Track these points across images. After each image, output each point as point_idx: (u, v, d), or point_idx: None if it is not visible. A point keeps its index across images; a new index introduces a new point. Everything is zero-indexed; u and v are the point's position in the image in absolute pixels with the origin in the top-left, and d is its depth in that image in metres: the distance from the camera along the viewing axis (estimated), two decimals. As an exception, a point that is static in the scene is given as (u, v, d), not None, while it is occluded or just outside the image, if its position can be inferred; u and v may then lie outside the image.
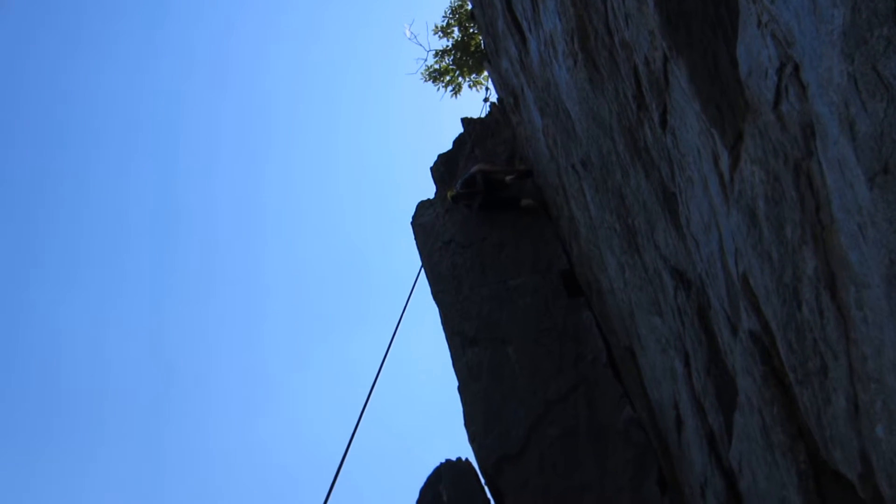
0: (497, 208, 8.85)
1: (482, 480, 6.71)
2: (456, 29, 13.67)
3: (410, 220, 9.96)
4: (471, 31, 13.47)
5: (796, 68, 1.95)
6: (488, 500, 6.55)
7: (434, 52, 13.71)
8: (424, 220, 9.70)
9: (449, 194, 9.09)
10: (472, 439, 6.91)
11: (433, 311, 8.49)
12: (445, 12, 13.79)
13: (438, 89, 13.74)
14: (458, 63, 13.43)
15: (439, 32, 13.81)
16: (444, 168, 10.52)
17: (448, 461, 6.97)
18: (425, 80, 13.74)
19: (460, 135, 11.11)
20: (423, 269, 9.06)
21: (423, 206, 10.04)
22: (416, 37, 16.44)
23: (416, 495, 6.85)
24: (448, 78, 13.61)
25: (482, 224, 8.97)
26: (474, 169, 9.11)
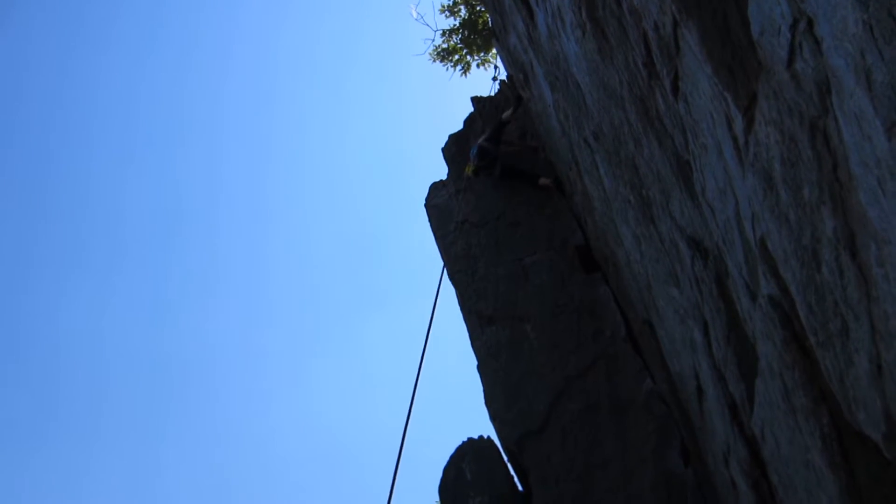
0: (516, 177, 8.92)
1: (505, 457, 6.74)
2: (462, 7, 13.55)
3: (424, 201, 9.94)
4: (478, 9, 13.34)
5: (810, 23, 1.91)
6: (511, 477, 6.58)
7: (441, 31, 13.62)
8: (438, 202, 9.68)
9: (468, 170, 9.16)
10: (494, 417, 6.94)
11: (450, 290, 8.50)
12: (452, -9, 13.67)
13: (447, 69, 13.66)
14: (465, 42, 13.31)
15: (446, 12, 13.69)
16: (455, 148, 10.47)
17: (470, 439, 7.00)
18: (433, 61, 13.64)
19: (471, 114, 11.04)
20: (441, 258, 9.06)
21: (435, 188, 10.01)
22: (422, 17, 16.31)
23: (439, 474, 6.90)
24: (456, 57, 13.51)
25: (496, 203, 8.94)
26: (480, 141, 9.26)
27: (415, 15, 13.90)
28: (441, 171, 10.48)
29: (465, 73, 13.78)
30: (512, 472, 6.60)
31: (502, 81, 11.45)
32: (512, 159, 9.11)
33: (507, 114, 9.34)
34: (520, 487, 6.46)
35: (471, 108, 11.30)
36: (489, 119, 10.45)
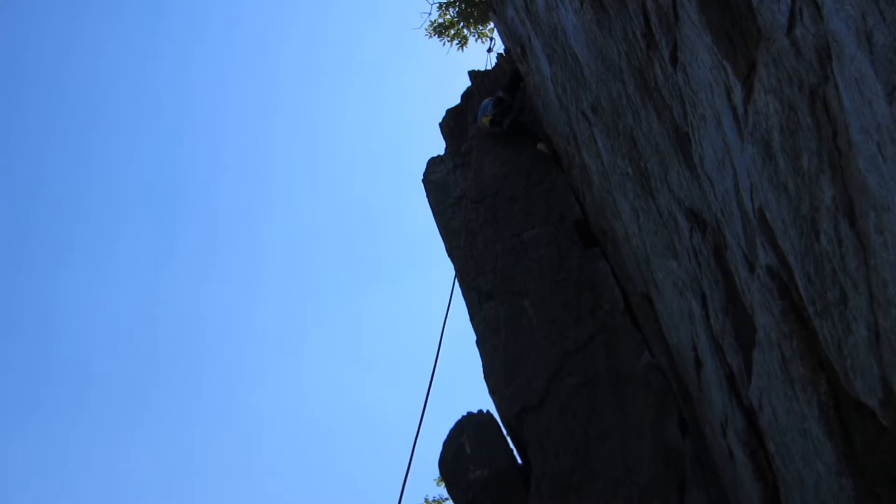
0: (523, 133, 9.14)
1: (504, 431, 6.79)
2: (459, -20, 13.37)
3: (421, 177, 9.92)
4: (475, -19, 13.18)
5: (810, -12, 1.88)
6: (511, 450, 6.64)
7: (438, 5, 13.46)
8: (436, 177, 9.66)
9: (485, 120, 9.29)
10: (493, 392, 6.98)
11: (448, 268, 8.51)
12: (448, -37, 13.48)
13: (444, 43, 13.53)
14: (462, 15, 13.17)
15: (443, -15, 13.53)
16: (453, 123, 10.41)
17: (470, 414, 7.05)
18: (430, 36, 13.53)
19: (468, 88, 10.98)
20: (439, 233, 9.07)
21: (433, 163, 9.98)
22: (419, -10, 16.12)
23: (439, 448, 6.96)
24: (453, 31, 13.38)
25: (494, 178, 8.92)
26: (498, 93, 9.45)
27: (411, -12, 13.75)
28: (439, 146, 10.44)
29: (461, 47, 13.67)
30: (511, 445, 6.66)
31: (500, 55, 11.37)
32: (524, 113, 9.29)
33: (524, 68, 9.44)
34: (519, 461, 6.52)
35: (468, 83, 11.22)
36: (487, 93, 10.39)
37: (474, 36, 13.46)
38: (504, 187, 8.73)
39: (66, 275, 44.61)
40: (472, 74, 11.14)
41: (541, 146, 8.68)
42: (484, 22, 13.16)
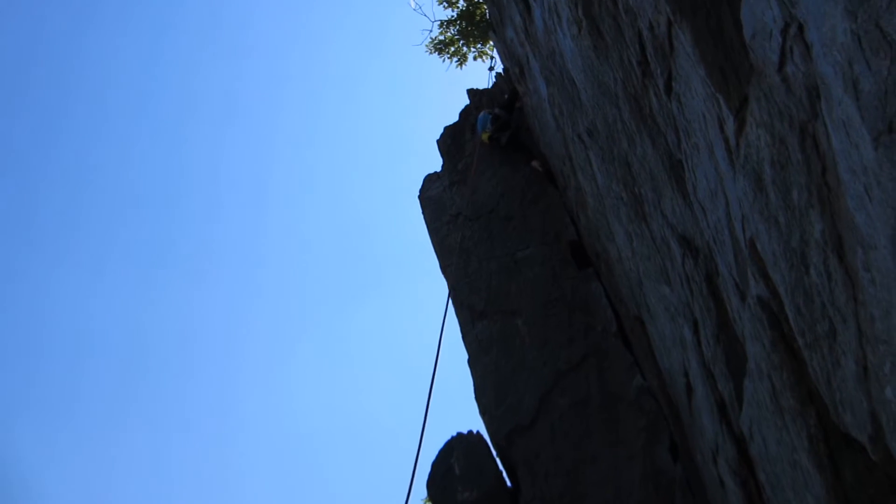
0: (520, 149, 9.30)
1: (494, 452, 6.76)
2: (461, -2, 13.48)
3: (417, 193, 9.94)
4: (476, 0, 13.28)
5: (801, 28, 1.91)
6: (500, 472, 6.60)
7: (439, 22, 13.55)
8: (432, 194, 9.68)
9: (484, 136, 9.44)
10: (483, 412, 6.96)
11: (441, 283, 8.50)
12: (450, -18, 13.58)
13: (444, 61, 13.61)
14: (463, 33, 13.25)
15: (444, 3, 13.64)
16: (450, 140, 10.46)
17: (459, 434, 7.02)
18: (430, 53, 13.60)
19: (466, 106, 11.04)
20: (433, 250, 9.08)
21: (430, 180, 10.01)
22: (420, 7, 16.25)
23: (428, 468, 6.92)
24: (453, 49, 13.46)
25: (490, 196, 8.94)
26: (496, 110, 9.69)
27: (413, 5, 13.86)
28: (436, 161, 10.49)
29: (460, 65, 13.76)
30: (500, 467, 6.62)
31: (498, 74, 11.45)
32: (520, 133, 9.48)
33: (522, 88, 9.55)
34: (508, 483, 6.49)
35: (466, 101, 11.28)
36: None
37: (474, 54, 13.56)
38: (499, 206, 8.76)
39: (60, 277, 44.51)
40: (471, 93, 11.21)
41: (535, 164, 8.75)
42: (484, 41, 13.26)
